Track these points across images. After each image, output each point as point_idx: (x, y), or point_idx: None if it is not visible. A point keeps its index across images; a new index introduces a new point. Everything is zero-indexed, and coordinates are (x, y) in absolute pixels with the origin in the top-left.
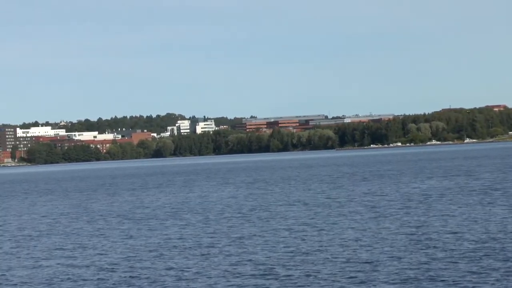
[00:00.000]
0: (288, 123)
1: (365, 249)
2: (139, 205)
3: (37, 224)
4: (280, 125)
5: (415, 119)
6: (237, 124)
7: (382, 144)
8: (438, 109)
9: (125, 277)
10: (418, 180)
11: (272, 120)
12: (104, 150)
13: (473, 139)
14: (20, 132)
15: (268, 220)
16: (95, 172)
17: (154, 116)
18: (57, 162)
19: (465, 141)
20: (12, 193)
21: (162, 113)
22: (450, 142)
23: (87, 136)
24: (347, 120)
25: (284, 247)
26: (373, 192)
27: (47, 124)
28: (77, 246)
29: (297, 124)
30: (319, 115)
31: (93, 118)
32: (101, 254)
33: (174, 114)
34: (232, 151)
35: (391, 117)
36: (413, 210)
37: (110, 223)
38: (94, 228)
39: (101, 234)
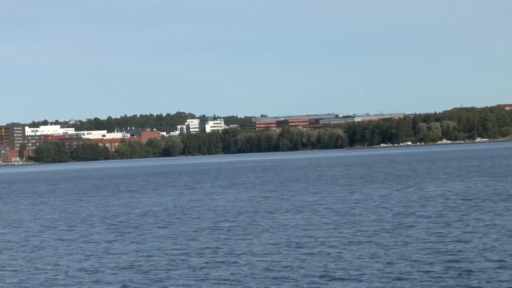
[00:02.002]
0: (298, 122)
1: (382, 274)
2: (129, 210)
3: (8, 232)
4: (290, 124)
5: (426, 118)
6: (247, 123)
7: (392, 143)
8: (449, 108)
9: None
10: (438, 182)
11: (282, 119)
12: (113, 149)
13: (484, 138)
14: (28, 131)
15: (267, 231)
16: (99, 171)
17: (164, 114)
18: (65, 161)
19: (476, 140)
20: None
21: (172, 112)
22: (461, 142)
23: (95, 135)
24: (357, 119)
25: (282, 269)
26: (389, 197)
27: (56, 122)
28: (37, 260)
29: (307, 123)
30: (329, 114)
31: (103, 117)
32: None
33: (184, 113)
34: (241, 150)
35: (401, 116)
36: (436, 220)
37: (87, 231)
38: (64, 238)
39: (68, 248)
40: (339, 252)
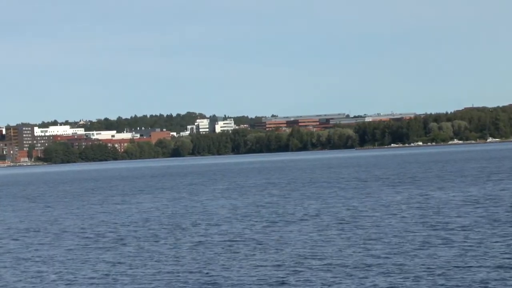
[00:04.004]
0: (308, 122)
1: None
2: (114, 218)
3: None
4: (300, 124)
5: (437, 118)
6: (257, 123)
7: (403, 144)
8: (460, 107)
9: None
10: (458, 185)
11: (292, 119)
12: (122, 150)
13: (496, 138)
14: (38, 131)
15: (261, 248)
16: (103, 172)
17: (174, 115)
18: (74, 162)
19: (488, 140)
20: None
21: (182, 112)
22: (473, 142)
23: (105, 135)
24: (368, 119)
25: None
26: (410, 202)
27: (66, 123)
28: None
29: (317, 123)
30: (339, 114)
31: (113, 117)
32: None
33: (194, 113)
34: (251, 151)
35: (412, 116)
36: (468, 234)
37: (51, 245)
38: (19, 254)
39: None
40: (346, 278)
